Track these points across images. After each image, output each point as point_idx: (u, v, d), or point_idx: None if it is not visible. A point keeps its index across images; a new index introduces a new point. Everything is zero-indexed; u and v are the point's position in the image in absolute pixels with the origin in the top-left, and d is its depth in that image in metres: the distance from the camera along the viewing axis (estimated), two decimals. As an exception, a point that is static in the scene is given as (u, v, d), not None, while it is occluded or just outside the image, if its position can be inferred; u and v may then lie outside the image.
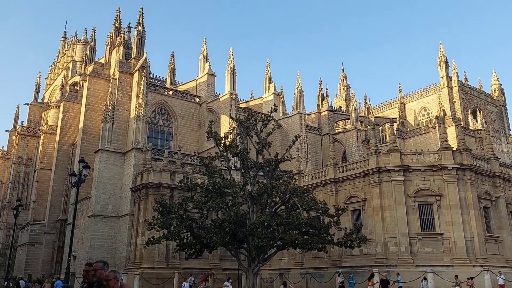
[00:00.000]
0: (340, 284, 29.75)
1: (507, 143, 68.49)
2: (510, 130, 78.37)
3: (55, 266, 51.26)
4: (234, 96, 52.23)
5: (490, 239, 33.36)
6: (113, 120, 46.03)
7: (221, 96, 54.54)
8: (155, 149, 46.77)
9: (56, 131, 57.54)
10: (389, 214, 33.27)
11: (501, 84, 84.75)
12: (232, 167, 32.98)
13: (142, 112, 45.83)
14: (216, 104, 53.96)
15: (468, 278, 27.15)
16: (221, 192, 29.03)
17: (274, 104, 50.90)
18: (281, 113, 63.17)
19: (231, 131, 33.71)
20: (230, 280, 25.46)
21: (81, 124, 50.33)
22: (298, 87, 61.63)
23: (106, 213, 43.82)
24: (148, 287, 35.30)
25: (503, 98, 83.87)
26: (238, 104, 55.34)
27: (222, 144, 30.78)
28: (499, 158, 39.22)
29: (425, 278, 27.93)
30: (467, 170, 33.21)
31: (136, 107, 46.06)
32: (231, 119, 46.76)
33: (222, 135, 33.30)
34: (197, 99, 55.54)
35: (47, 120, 62.28)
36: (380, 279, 22.23)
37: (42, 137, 60.03)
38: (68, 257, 24.06)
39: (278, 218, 27.67)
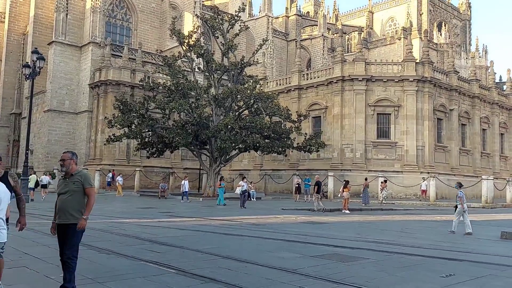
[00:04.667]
0: (297, 185, 31.31)
1: (467, 58, 69.97)
2: (471, 45, 79.71)
3: (11, 159, 50.61)
4: (199, -9, 49.11)
5: (439, 149, 35.52)
6: (67, 10, 42.72)
7: (185, -9, 51.07)
8: (114, 44, 44.38)
9: (4, 18, 52.98)
10: (348, 122, 34.31)
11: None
12: (196, 69, 32.15)
13: (99, 3, 42.63)
14: (179, 0, 50.76)
15: (382, 182, 28.83)
16: (184, 94, 28.59)
17: (242, 3, 48.55)
18: (247, 15, 60.60)
19: (196, 30, 32.17)
20: (245, 180, 24.49)
21: (32, 13, 46.43)
22: (267, -14, 58.48)
23: (63, 109, 42.60)
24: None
25: (469, 13, 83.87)
26: (202, 1, 52.31)
27: (186, 43, 29.57)
28: (458, 72, 40.23)
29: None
30: (427, 83, 34.06)
31: (92, -3, 42.63)
32: (195, 17, 44.53)
33: (186, 33, 31.82)
34: (159, -7, 51.82)
35: (-8, 5, 56.84)
36: (316, 181, 23.02)
37: (-12, 24, 55.24)
38: (26, 151, 23.61)
39: (242, 121, 27.89)
